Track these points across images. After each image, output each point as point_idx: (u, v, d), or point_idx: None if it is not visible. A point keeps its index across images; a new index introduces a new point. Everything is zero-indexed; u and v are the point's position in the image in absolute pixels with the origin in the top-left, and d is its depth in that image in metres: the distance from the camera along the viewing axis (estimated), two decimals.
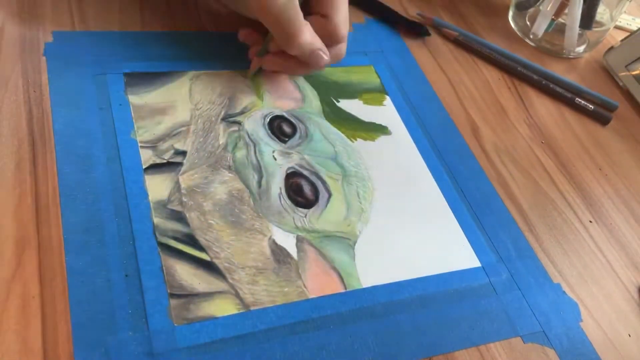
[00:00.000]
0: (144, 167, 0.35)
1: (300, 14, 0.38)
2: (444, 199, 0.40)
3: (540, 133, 0.48)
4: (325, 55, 0.40)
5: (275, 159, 0.38)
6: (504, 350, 0.33)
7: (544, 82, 0.51)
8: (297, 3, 0.38)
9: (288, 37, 0.38)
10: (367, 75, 0.46)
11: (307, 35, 0.38)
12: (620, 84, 0.55)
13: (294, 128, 0.41)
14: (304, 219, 0.36)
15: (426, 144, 0.43)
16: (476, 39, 0.53)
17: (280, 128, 0.40)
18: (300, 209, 0.36)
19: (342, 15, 0.40)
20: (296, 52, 0.39)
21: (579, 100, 0.51)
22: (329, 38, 0.40)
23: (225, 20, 0.46)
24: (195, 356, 0.29)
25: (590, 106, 0.50)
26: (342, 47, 0.42)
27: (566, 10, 0.53)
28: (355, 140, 0.41)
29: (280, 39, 0.39)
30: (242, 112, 0.40)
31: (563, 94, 0.51)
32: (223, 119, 0.39)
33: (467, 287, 0.36)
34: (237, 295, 0.31)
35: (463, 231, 0.38)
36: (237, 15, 0.44)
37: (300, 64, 0.41)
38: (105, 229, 0.32)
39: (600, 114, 0.50)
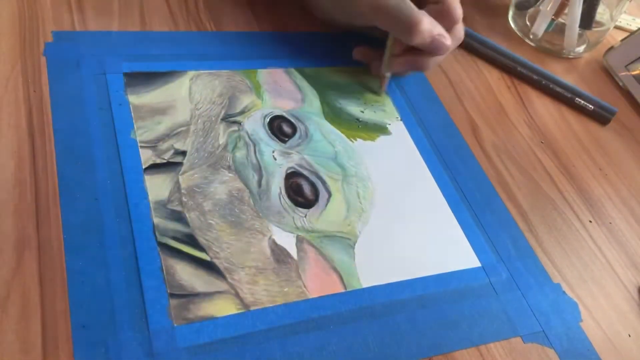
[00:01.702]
0: (144, 167, 0.35)
1: (413, 5, 0.40)
2: (444, 199, 0.40)
3: (540, 133, 0.48)
4: (446, 40, 0.41)
5: (275, 159, 0.38)
6: (504, 350, 0.33)
7: (543, 82, 0.51)
8: None
9: (408, 27, 0.39)
10: (367, 76, 0.46)
11: (426, 22, 0.39)
12: (620, 84, 0.55)
13: (294, 128, 0.41)
14: (304, 219, 0.36)
15: (426, 144, 0.43)
16: (478, 37, 0.53)
17: (280, 128, 0.40)
18: (300, 209, 0.36)
19: None
20: (419, 41, 0.40)
21: (579, 100, 0.51)
22: (446, 21, 0.41)
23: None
24: (195, 356, 0.29)
25: (590, 106, 0.50)
26: (460, 28, 0.43)
27: (566, 10, 0.53)
28: (355, 140, 0.41)
29: (400, 33, 0.40)
30: (242, 112, 0.40)
31: (563, 94, 0.51)
32: (223, 119, 0.39)
33: (467, 287, 0.36)
34: (237, 295, 0.31)
35: (463, 231, 0.38)
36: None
37: (426, 56, 0.42)
38: (105, 229, 0.32)
39: (600, 114, 0.50)
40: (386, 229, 0.37)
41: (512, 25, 0.57)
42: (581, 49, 0.56)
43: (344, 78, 0.45)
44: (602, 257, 0.40)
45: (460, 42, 0.44)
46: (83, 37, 0.41)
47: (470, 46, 0.52)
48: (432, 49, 0.41)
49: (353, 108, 0.44)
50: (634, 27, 0.62)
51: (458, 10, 0.42)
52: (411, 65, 0.43)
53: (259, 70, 0.43)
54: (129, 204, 0.33)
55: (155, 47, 0.42)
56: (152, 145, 0.36)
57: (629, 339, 0.36)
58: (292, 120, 0.41)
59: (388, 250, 0.36)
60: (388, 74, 0.44)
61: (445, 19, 0.41)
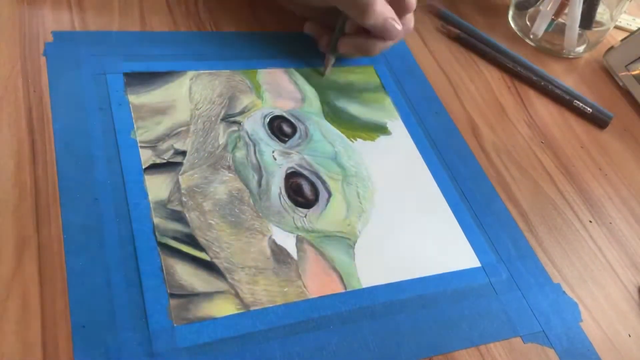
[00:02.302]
0: (143, 167, 0.35)
1: None
2: (444, 199, 0.40)
3: (540, 133, 0.48)
4: (398, 24, 0.41)
5: (275, 159, 0.38)
6: (504, 350, 0.33)
7: (542, 84, 0.51)
8: None
9: (363, 7, 0.39)
10: (367, 75, 0.46)
11: (380, 4, 0.40)
12: (620, 84, 0.55)
13: (294, 128, 0.41)
14: (304, 218, 0.36)
15: (426, 144, 0.43)
16: (479, 34, 0.53)
17: (280, 128, 0.40)
18: (300, 208, 0.36)
19: None
20: (371, 22, 0.40)
21: (577, 102, 0.51)
22: (399, 8, 0.41)
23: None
24: (195, 356, 0.29)
25: (588, 109, 0.50)
26: (411, 18, 0.43)
27: (566, 10, 0.53)
28: (355, 140, 0.41)
29: (354, 12, 0.40)
30: (242, 112, 0.40)
31: (561, 96, 0.51)
32: (223, 119, 0.39)
33: (467, 287, 0.36)
34: (237, 295, 0.31)
35: (463, 231, 0.38)
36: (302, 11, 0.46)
37: (374, 39, 0.42)
38: (105, 229, 0.32)
39: (598, 118, 0.50)
40: (386, 229, 0.37)
41: (512, 25, 0.57)
42: (581, 49, 0.56)
43: (344, 78, 0.45)
44: (602, 257, 0.40)
45: (410, 32, 0.44)
46: (83, 37, 0.41)
47: (471, 44, 0.52)
48: (383, 32, 0.41)
49: (353, 108, 0.44)
50: (634, 27, 0.62)
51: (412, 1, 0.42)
52: (358, 47, 0.43)
53: (259, 70, 0.43)
54: (129, 204, 0.33)
55: (155, 47, 0.42)
56: (152, 145, 0.36)
57: (629, 339, 0.36)
58: (292, 120, 0.41)
59: (388, 250, 0.36)
60: (333, 55, 0.44)
61: (398, 5, 0.41)
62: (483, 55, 0.52)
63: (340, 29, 0.43)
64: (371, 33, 0.42)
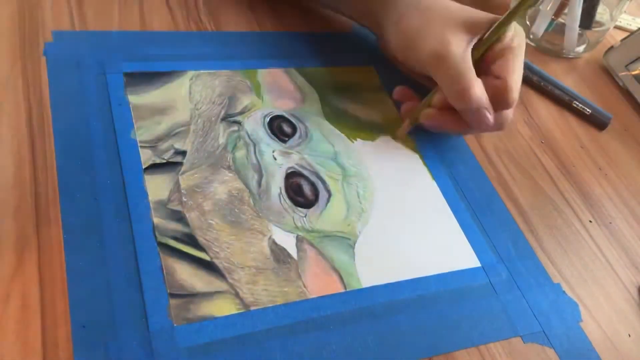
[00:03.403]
0: (143, 167, 0.35)
1: (473, 70, 0.38)
2: (444, 199, 0.40)
3: (540, 133, 0.48)
4: (490, 117, 0.38)
5: (275, 159, 0.38)
6: (504, 350, 0.33)
7: (542, 84, 0.51)
8: (470, 58, 0.38)
9: (459, 89, 0.38)
10: (367, 76, 0.46)
11: (479, 91, 0.38)
12: (620, 83, 0.55)
13: (294, 128, 0.41)
14: (304, 218, 0.36)
15: (426, 144, 0.43)
16: None
17: (280, 128, 0.40)
18: (300, 208, 0.36)
19: (517, 79, 0.39)
20: (463, 107, 0.38)
21: (577, 103, 0.51)
22: (498, 101, 0.39)
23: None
24: (195, 356, 0.29)
25: (588, 110, 0.50)
26: (509, 115, 0.40)
27: (566, 10, 0.53)
28: (355, 140, 0.41)
29: (450, 91, 0.38)
30: (242, 112, 0.40)
31: (560, 97, 0.51)
32: (223, 119, 0.39)
33: (467, 287, 0.36)
34: (237, 295, 0.31)
35: (463, 231, 0.38)
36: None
37: (460, 122, 0.40)
38: (105, 229, 0.32)
39: (597, 119, 0.50)
40: (386, 229, 0.37)
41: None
42: (581, 49, 0.56)
43: (344, 78, 0.45)
44: (602, 257, 0.40)
45: (502, 129, 0.41)
46: (83, 37, 0.41)
47: None
48: (472, 119, 0.39)
49: (353, 108, 0.44)
50: (634, 27, 0.62)
51: (514, 95, 0.39)
52: (440, 123, 0.41)
53: (259, 70, 0.43)
54: (129, 204, 0.33)
55: (155, 47, 0.42)
56: (152, 145, 0.36)
57: (628, 339, 0.36)
58: (292, 120, 0.41)
59: (388, 250, 0.36)
60: (409, 126, 0.42)
61: (498, 99, 0.39)
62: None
63: (428, 100, 0.41)
64: (458, 114, 0.39)
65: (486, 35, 0.39)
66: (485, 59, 0.40)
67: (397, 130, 0.43)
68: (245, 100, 0.41)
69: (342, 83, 0.45)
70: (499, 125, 0.40)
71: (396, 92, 0.44)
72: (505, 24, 0.39)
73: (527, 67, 0.52)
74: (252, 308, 0.31)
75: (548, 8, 0.53)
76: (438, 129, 0.42)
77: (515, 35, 0.40)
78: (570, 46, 0.55)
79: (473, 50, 0.39)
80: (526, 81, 0.52)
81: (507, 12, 0.39)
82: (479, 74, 0.39)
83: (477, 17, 0.40)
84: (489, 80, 0.39)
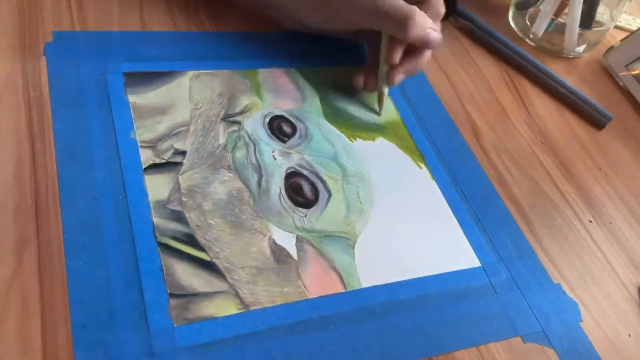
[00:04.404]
0: (143, 167, 0.35)
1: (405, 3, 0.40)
2: (444, 199, 0.40)
3: (540, 133, 0.48)
4: (438, 32, 0.40)
5: (275, 159, 0.38)
6: (504, 350, 0.33)
7: (544, 79, 0.51)
8: None
9: (405, 21, 0.39)
10: (367, 76, 0.46)
11: (420, 15, 0.39)
12: (620, 83, 0.55)
13: (294, 128, 0.41)
14: (304, 218, 0.36)
15: (426, 143, 0.43)
16: (488, 29, 0.53)
17: (280, 128, 0.40)
18: (300, 208, 0.36)
19: None
20: (415, 34, 0.39)
21: (575, 99, 0.51)
22: (432, 16, 0.41)
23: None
24: (195, 356, 0.29)
25: (588, 107, 0.50)
26: (439, 25, 0.42)
27: (566, 10, 0.53)
28: (355, 140, 0.41)
29: (397, 29, 0.40)
30: (242, 112, 0.40)
31: (561, 92, 0.51)
32: (223, 119, 0.39)
33: (467, 287, 0.36)
34: (237, 295, 0.31)
35: (463, 231, 0.38)
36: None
37: (418, 55, 0.42)
38: (105, 229, 0.32)
39: (596, 118, 0.50)
40: (386, 229, 0.37)
41: (512, 24, 0.57)
42: (581, 48, 0.56)
43: (344, 78, 0.45)
44: (602, 257, 0.40)
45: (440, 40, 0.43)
46: (83, 37, 0.41)
47: (478, 37, 0.53)
48: (426, 42, 0.40)
49: (353, 108, 0.44)
50: (634, 27, 0.62)
51: (441, 8, 0.42)
52: (406, 72, 0.43)
53: (259, 70, 0.43)
54: (129, 204, 0.33)
55: (155, 47, 0.42)
56: (152, 145, 0.36)
57: (629, 339, 0.36)
58: (292, 120, 0.41)
59: (388, 250, 0.36)
60: (386, 89, 0.43)
61: (431, 14, 0.41)
62: (484, 43, 0.53)
63: (384, 63, 0.42)
64: (411, 50, 0.41)
65: None
66: None
67: (377, 109, 0.44)
68: (245, 100, 0.41)
69: (342, 83, 0.45)
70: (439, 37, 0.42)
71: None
72: None
73: (530, 62, 0.52)
74: (252, 308, 0.31)
75: (548, 8, 0.53)
76: (409, 75, 0.43)
77: None
78: (570, 46, 0.55)
79: None
80: (528, 75, 0.52)
81: None
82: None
83: None
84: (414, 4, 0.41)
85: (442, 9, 0.42)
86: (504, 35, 0.54)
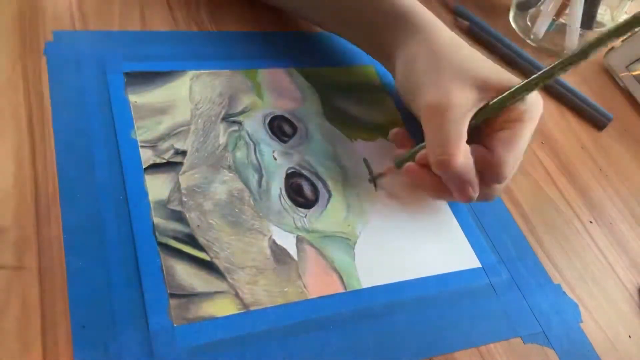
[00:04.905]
0: (144, 166, 0.35)
1: (465, 135, 0.34)
2: None
3: (540, 133, 0.48)
4: (473, 193, 0.34)
5: (275, 159, 0.38)
6: (504, 350, 0.33)
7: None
8: (468, 121, 0.34)
9: (441, 154, 0.33)
10: (368, 76, 0.46)
11: (460, 161, 0.33)
12: (621, 84, 0.55)
13: (294, 128, 0.41)
14: (304, 219, 0.36)
15: None
16: (489, 29, 0.53)
17: (281, 128, 0.40)
18: (300, 209, 0.36)
19: (516, 155, 0.35)
20: (441, 174, 0.34)
21: (576, 99, 0.51)
22: (488, 175, 0.35)
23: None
24: (195, 356, 0.29)
25: (588, 108, 0.50)
26: (498, 190, 0.36)
27: (567, 11, 0.53)
28: (355, 140, 0.41)
29: (432, 152, 0.34)
30: (242, 112, 0.40)
31: (563, 94, 0.51)
32: (223, 119, 0.39)
33: (467, 288, 0.36)
34: (237, 295, 0.31)
35: (463, 231, 0.38)
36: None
37: (441, 187, 0.36)
38: (105, 229, 0.32)
39: (597, 119, 0.50)
40: (386, 229, 0.37)
41: (513, 25, 0.57)
42: None
43: (345, 78, 0.45)
44: (603, 258, 0.40)
45: (487, 200, 0.37)
46: (83, 36, 0.41)
47: (472, 32, 0.53)
48: (454, 191, 0.35)
49: (353, 108, 0.44)
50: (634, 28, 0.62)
51: (507, 171, 0.34)
52: (419, 181, 0.37)
53: (259, 70, 0.43)
54: (129, 204, 0.33)
55: (155, 47, 0.42)
56: (153, 145, 0.36)
57: (629, 340, 0.36)
58: (293, 120, 0.41)
59: (388, 250, 0.36)
60: (396, 168, 0.39)
61: (488, 172, 0.35)
62: (492, 49, 0.53)
63: (414, 153, 0.37)
64: (439, 177, 0.35)
65: (493, 101, 0.35)
66: (492, 125, 0.36)
67: (369, 177, 0.39)
68: (245, 100, 0.41)
69: (342, 83, 0.45)
70: (485, 197, 0.36)
71: (392, 134, 0.40)
72: (517, 94, 0.34)
73: (531, 62, 0.52)
74: (252, 308, 0.31)
75: (549, 8, 0.53)
76: (417, 187, 0.38)
77: (529, 110, 0.35)
78: (571, 46, 0.55)
79: (475, 114, 0.35)
80: (528, 77, 0.52)
81: (522, 83, 0.35)
82: (477, 141, 0.35)
83: (490, 78, 0.36)
84: (480, 149, 0.35)
85: (505, 176, 0.35)
86: (504, 36, 0.54)
